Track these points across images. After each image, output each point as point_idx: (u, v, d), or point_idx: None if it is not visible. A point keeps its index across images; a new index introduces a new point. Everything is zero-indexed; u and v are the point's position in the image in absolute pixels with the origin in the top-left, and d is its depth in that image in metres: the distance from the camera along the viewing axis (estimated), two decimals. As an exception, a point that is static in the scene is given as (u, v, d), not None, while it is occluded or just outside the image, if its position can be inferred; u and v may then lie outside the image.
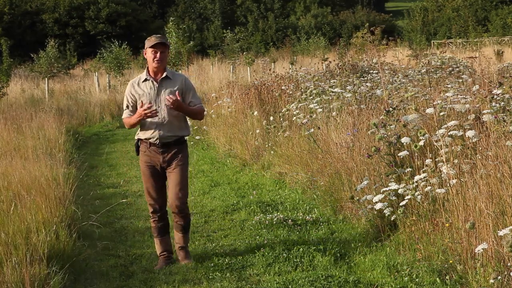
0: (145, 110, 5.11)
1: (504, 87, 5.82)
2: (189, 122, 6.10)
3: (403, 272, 4.88)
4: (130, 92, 5.35)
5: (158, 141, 5.27)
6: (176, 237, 5.53)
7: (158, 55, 5.23)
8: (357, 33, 8.70)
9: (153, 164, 5.34)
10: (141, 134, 5.37)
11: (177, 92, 5.20)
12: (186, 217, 5.45)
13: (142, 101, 5.20)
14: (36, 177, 6.88)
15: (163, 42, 5.27)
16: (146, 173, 5.39)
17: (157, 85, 5.29)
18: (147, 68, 5.35)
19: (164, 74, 5.31)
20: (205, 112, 5.73)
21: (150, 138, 5.29)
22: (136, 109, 5.28)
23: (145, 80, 5.32)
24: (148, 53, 5.27)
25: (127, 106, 5.39)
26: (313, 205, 7.20)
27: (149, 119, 5.22)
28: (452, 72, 11.63)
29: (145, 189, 5.48)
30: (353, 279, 4.88)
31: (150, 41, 5.26)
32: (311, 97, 9.65)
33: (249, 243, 6.01)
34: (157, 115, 5.20)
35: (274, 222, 6.50)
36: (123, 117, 5.44)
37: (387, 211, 5.37)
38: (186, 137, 5.51)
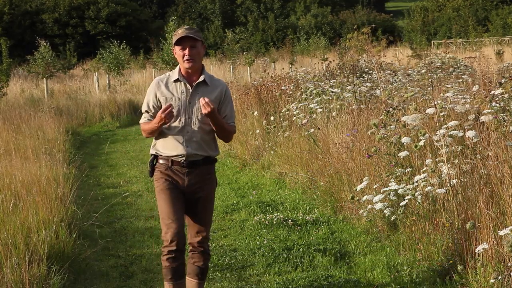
0: (165, 111, 4.04)
1: (505, 87, 5.81)
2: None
3: (403, 272, 4.88)
4: (154, 94, 4.23)
5: (184, 159, 4.18)
6: (189, 285, 4.34)
7: (187, 51, 4.14)
8: (349, 34, 8.65)
9: (175, 182, 4.22)
10: (161, 149, 4.25)
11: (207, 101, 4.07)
12: (207, 257, 4.34)
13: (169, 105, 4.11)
14: (36, 177, 6.88)
15: (190, 36, 4.13)
16: (164, 189, 4.21)
17: (190, 90, 4.20)
18: (179, 67, 4.27)
19: (201, 78, 4.21)
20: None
21: (173, 156, 4.20)
22: None
23: (177, 80, 4.23)
24: (176, 51, 4.20)
25: (147, 111, 4.28)
26: (313, 205, 7.20)
27: (174, 132, 4.18)
28: (453, 72, 11.64)
29: (161, 213, 4.23)
30: (353, 279, 4.89)
31: (175, 35, 4.19)
32: (311, 97, 9.66)
33: (249, 243, 6.00)
34: (173, 117, 4.13)
35: (274, 222, 6.50)
36: (140, 122, 4.35)
37: (387, 211, 5.37)
38: (216, 157, 4.40)
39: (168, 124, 4.13)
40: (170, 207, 4.17)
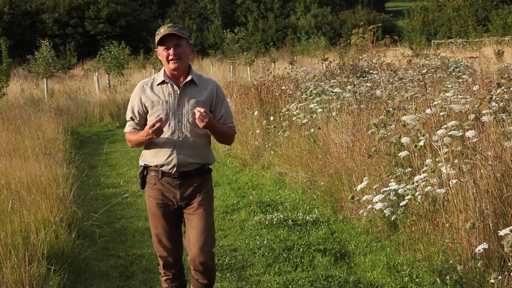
0: (152, 127, 3.67)
1: (503, 87, 5.81)
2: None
3: (403, 272, 4.88)
4: (139, 99, 3.87)
5: (175, 169, 3.81)
6: None
7: (172, 51, 3.77)
8: (355, 30, 8.64)
9: (166, 202, 3.88)
10: (150, 159, 3.88)
11: (198, 109, 3.71)
12: (211, 274, 4.00)
13: (159, 117, 3.72)
14: (36, 176, 6.87)
15: (174, 33, 3.76)
16: (156, 214, 3.89)
17: (178, 91, 3.83)
18: (164, 69, 3.91)
19: (189, 78, 3.85)
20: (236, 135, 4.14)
21: (163, 165, 3.82)
22: (145, 122, 3.84)
23: (162, 82, 3.86)
24: (160, 52, 3.83)
25: (132, 118, 3.91)
26: (313, 205, 7.19)
27: (164, 139, 3.79)
28: (452, 72, 11.64)
29: (153, 236, 3.96)
30: (353, 279, 4.88)
31: (157, 35, 3.81)
32: (311, 97, 9.66)
33: (249, 243, 6.00)
34: (163, 130, 3.73)
35: (274, 222, 6.50)
36: (125, 131, 3.97)
37: (387, 211, 5.37)
38: (211, 166, 4.03)
39: (154, 134, 3.73)
40: (161, 236, 3.91)
